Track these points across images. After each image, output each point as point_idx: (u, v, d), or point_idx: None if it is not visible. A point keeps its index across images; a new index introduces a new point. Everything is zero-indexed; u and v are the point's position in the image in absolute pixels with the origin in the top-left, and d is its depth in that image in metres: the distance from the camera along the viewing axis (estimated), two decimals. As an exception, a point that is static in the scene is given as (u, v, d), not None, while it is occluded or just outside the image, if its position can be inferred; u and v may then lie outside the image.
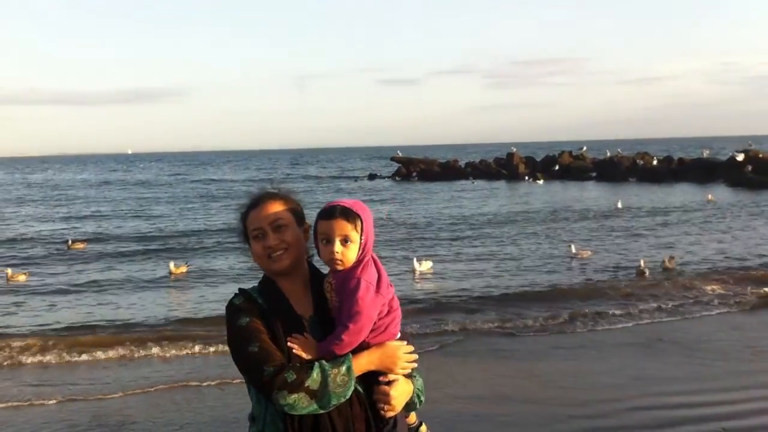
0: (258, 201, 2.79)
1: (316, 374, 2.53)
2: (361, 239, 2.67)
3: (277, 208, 2.75)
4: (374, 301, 2.65)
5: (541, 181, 48.84)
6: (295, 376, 2.52)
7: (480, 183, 50.76)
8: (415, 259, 17.33)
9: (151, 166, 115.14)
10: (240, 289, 2.79)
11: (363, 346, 2.68)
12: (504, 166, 56.87)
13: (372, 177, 65.47)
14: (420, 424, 2.95)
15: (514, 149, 60.38)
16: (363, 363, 2.63)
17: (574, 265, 17.72)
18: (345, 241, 2.66)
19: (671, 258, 16.92)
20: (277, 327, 2.64)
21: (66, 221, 31.76)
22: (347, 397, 2.57)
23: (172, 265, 18.04)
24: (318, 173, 76.72)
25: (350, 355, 2.61)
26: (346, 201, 2.73)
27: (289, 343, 2.61)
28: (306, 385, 2.51)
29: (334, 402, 2.55)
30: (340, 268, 2.68)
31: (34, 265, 19.85)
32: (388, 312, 2.73)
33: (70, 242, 23.17)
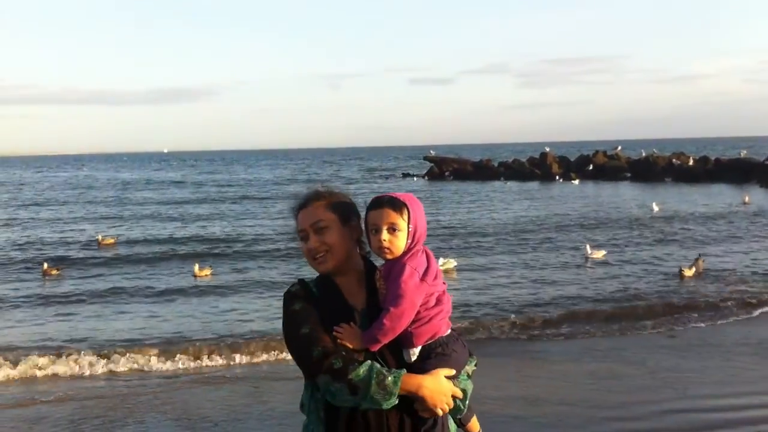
0: (305, 202, 2.84)
1: (362, 371, 2.55)
2: (408, 228, 2.70)
3: (319, 209, 2.79)
4: (418, 288, 2.66)
5: (576, 181, 48.14)
6: (341, 365, 2.56)
7: (512, 184, 49.89)
8: (440, 258, 17.32)
9: (185, 165, 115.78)
10: (299, 279, 2.87)
11: (407, 339, 2.70)
12: (538, 165, 56.43)
13: (405, 176, 65.41)
14: None
15: (548, 149, 60.00)
16: (412, 384, 2.61)
17: (589, 266, 17.67)
18: (392, 229, 2.69)
19: (700, 260, 16.70)
20: (326, 317, 2.69)
21: (98, 221, 31.53)
22: (383, 407, 2.58)
23: (196, 267, 17.87)
24: (350, 173, 76.57)
25: (404, 371, 2.62)
26: (396, 192, 2.78)
27: (334, 333, 2.65)
28: (349, 377, 2.54)
29: (369, 404, 2.57)
30: (388, 256, 2.73)
31: (67, 261, 20.08)
32: (436, 304, 2.73)
33: (100, 238, 23.32)
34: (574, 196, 38.80)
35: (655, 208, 29.05)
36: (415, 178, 61.36)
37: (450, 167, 60.79)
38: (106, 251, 21.83)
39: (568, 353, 10.42)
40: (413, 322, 2.68)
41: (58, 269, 18.32)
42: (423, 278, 2.69)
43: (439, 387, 2.64)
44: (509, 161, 63.04)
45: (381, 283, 2.77)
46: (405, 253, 2.72)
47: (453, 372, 2.71)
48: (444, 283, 2.80)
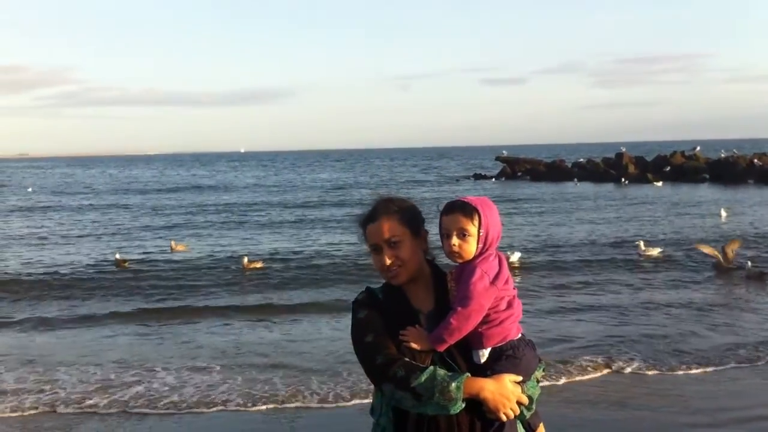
0: (374, 215, 2.87)
1: (424, 378, 2.59)
2: (479, 233, 2.75)
3: (391, 224, 2.82)
4: (487, 291, 2.71)
5: (659, 183, 46.12)
6: (403, 373, 2.61)
7: (586, 185, 48.44)
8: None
9: (260, 165, 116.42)
10: (366, 287, 2.95)
11: (477, 340, 2.74)
12: (613, 166, 55.04)
13: (477, 177, 64.39)
14: None
15: (623, 149, 58.69)
16: (476, 387, 2.64)
17: (642, 263, 17.56)
18: (462, 234, 2.75)
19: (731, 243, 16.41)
20: (392, 321, 2.76)
21: (171, 227, 29.78)
22: (450, 413, 2.61)
23: (245, 260, 17.18)
24: (421, 174, 74.89)
25: (467, 374, 2.65)
26: (470, 197, 2.83)
27: (400, 336, 2.72)
28: (412, 385, 2.59)
29: (435, 411, 2.62)
30: (458, 260, 2.79)
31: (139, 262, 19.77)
32: (507, 307, 2.78)
33: (173, 244, 22.18)
34: (651, 199, 36.70)
35: (723, 214, 26.84)
36: (493, 180, 59.01)
37: (522, 168, 60.15)
38: (178, 257, 20.67)
39: (647, 356, 10.21)
40: (484, 323, 2.72)
41: (126, 262, 18.72)
42: (493, 282, 2.73)
43: (501, 390, 2.67)
44: (583, 162, 61.95)
45: (452, 284, 2.81)
46: (477, 256, 2.77)
47: (520, 378, 2.74)
48: (515, 288, 2.84)
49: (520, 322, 2.87)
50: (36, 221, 33.48)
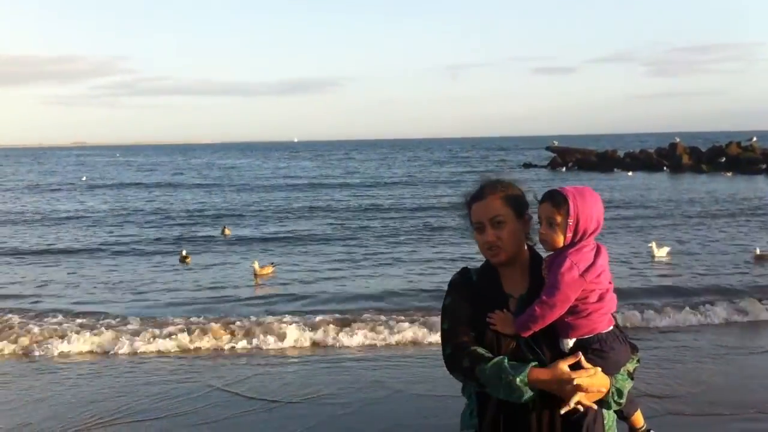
0: (481, 194, 2.91)
1: (489, 370, 2.66)
2: (568, 222, 2.72)
3: (497, 203, 2.86)
4: (574, 282, 2.69)
5: (729, 174, 44.95)
6: (469, 363, 2.71)
7: (639, 174, 47.50)
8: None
9: (315, 156, 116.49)
10: (464, 266, 3.02)
11: (564, 329, 2.74)
12: (666, 156, 54.30)
13: (527, 166, 63.87)
14: (647, 431, 2.99)
15: (677, 139, 57.64)
16: (541, 377, 2.65)
17: (653, 265, 16.45)
18: (549, 223, 2.76)
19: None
20: (481, 303, 2.83)
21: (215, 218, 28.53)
22: (522, 400, 2.65)
23: (256, 264, 16.09)
24: (470, 165, 73.36)
25: (532, 365, 2.67)
26: (567, 186, 2.82)
27: (487, 319, 2.77)
28: (477, 375, 2.68)
29: (508, 398, 2.67)
30: (549, 249, 2.81)
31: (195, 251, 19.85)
32: (598, 300, 2.75)
33: (224, 229, 23.10)
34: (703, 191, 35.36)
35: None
36: (558, 170, 57.06)
37: (573, 158, 59.47)
38: (229, 241, 21.29)
39: (695, 348, 9.95)
40: (572, 313, 2.72)
41: (187, 257, 18.43)
42: (583, 274, 2.70)
43: (559, 383, 2.65)
44: (636, 152, 61.05)
45: (545, 272, 2.81)
46: (569, 246, 2.76)
47: (593, 368, 2.68)
48: (610, 282, 2.80)
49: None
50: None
